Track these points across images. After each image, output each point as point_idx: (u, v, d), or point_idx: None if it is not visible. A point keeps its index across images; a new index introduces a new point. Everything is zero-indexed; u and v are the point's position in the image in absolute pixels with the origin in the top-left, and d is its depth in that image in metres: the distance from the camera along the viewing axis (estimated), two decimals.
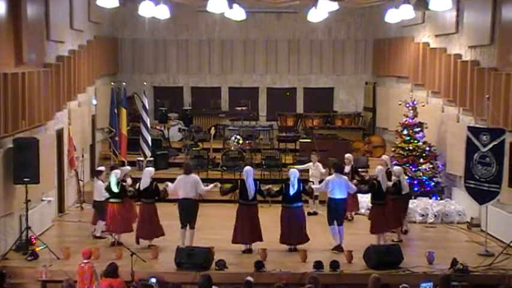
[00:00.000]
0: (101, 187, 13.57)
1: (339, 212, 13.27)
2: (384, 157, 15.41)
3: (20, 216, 12.90)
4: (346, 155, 15.62)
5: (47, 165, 13.70)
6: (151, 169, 13.57)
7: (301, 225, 13.12)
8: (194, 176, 13.36)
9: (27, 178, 12.48)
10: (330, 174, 15.27)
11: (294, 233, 13.03)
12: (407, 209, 14.47)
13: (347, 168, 15.14)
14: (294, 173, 13.19)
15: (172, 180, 13.64)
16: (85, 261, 10.58)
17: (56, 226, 14.86)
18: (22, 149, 12.47)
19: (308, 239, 13.11)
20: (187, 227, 13.01)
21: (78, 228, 14.47)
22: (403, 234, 14.05)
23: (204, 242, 12.58)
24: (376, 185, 13.32)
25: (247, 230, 12.93)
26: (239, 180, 13.32)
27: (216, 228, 13.72)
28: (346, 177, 13.74)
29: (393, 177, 13.87)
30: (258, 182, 13.22)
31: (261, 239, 12.99)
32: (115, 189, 13.14)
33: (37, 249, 12.51)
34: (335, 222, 13.15)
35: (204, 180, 13.97)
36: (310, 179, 15.51)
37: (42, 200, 14.22)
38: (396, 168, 14.22)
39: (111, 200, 13.24)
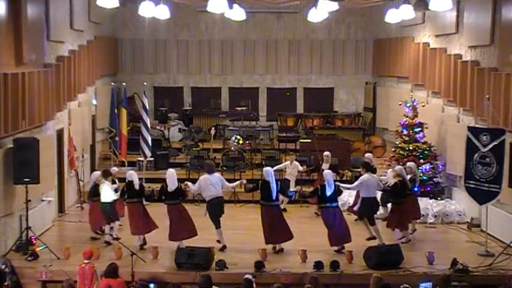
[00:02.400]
0: (108, 188, 13.56)
1: (374, 210, 13.48)
2: (410, 164, 14.73)
3: (20, 216, 12.91)
4: (325, 153, 15.78)
5: (47, 165, 13.71)
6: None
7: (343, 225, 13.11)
8: (218, 174, 13.52)
9: (27, 178, 12.49)
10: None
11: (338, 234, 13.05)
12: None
13: (325, 166, 15.37)
14: (328, 173, 13.18)
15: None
16: (86, 261, 10.59)
17: (56, 226, 14.86)
18: (22, 149, 12.47)
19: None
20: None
21: (79, 228, 14.46)
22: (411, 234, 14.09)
23: (204, 242, 12.58)
24: (398, 185, 13.48)
25: (274, 230, 12.91)
26: (260, 181, 13.33)
27: (214, 228, 13.69)
28: (377, 176, 13.86)
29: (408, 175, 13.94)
30: (279, 183, 13.30)
31: (291, 237, 12.99)
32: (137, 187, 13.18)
33: (37, 249, 12.50)
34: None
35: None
36: (287, 177, 15.90)
37: (43, 200, 14.23)
38: (410, 164, 14.33)
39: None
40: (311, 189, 13.76)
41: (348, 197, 15.69)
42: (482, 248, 13.12)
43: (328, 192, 12.91)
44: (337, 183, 13.78)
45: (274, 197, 12.98)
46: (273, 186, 12.92)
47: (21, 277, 11.69)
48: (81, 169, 16.85)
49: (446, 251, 12.93)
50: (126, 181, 13.31)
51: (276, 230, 12.93)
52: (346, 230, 13.05)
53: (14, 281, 11.43)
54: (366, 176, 13.48)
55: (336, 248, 12.98)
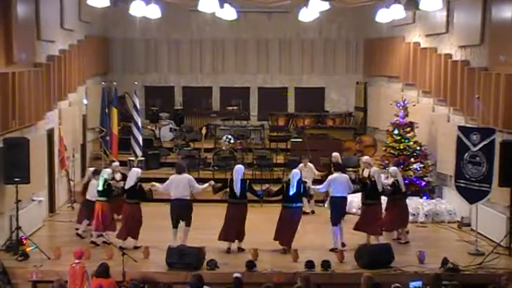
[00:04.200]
0: (94, 187, 13.56)
1: (343, 210, 13.37)
2: (365, 158, 15.01)
3: (11, 216, 12.85)
4: (333, 154, 15.74)
5: (37, 165, 13.67)
6: (137, 170, 13.51)
7: (295, 226, 13.08)
8: (187, 176, 13.33)
9: (18, 178, 12.44)
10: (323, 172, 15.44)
11: (286, 233, 13.01)
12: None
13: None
14: (295, 173, 13.17)
15: (163, 180, 13.63)
16: (76, 261, 10.55)
17: (46, 226, 14.82)
18: (12, 149, 12.42)
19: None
20: (183, 225, 13.03)
21: (69, 228, 14.41)
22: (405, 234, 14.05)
23: (195, 242, 12.57)
24: (368, 185, 13.34)
25: (231, 228, 12.96)
26: (229, 179, 13.34)
27: (207, 228, 13.70)
28: (347, 175, 13.77)
29: (390, 178, 13.89)
30: (247, 181, 13.23)
31: (241, 239, 12.99)
32: (100, 187, 13.14)
33: (28, 249, 12.48)
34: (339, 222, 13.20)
35: (195, 180, 14.00)
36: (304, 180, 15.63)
37: (33, 200, 14.17)
38: (392, 168, 14.27)
39: (98, 199, 13.24)
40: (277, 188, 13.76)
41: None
42: (472, 247, 13.18)
43: (291, 192, 12.94)
44: (308, 184, 13.88)
45: (238, 195, 12.96)
46: (237, 184, 12.92)
47: (12, 277, 11.64)
48: (71, 169, 16.81)
49: (437, 250, 12.97)
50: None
51: (232, 228, 12.95)
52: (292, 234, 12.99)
53: (4, 281, 11.39)
54: (334, 175, 13.44)
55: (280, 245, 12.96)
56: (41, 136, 14.82)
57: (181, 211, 13.05)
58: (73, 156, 17.03)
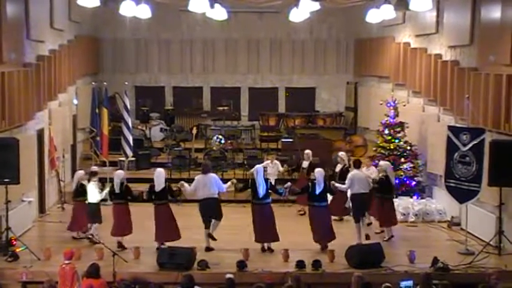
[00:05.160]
0: (94, 189, 13.48)
1: (364, 206, 13.57)
2: (341, 154, 15.50)
3: (0, 217, 12.80)
4: (306, 151, 15.94)
5: (27, 165, 13.61)
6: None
7: (328, 223, 13.16)
8: (213, 175, 13.42)
9: (7, 179, 12.39)
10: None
11: (322, 232, 13.07)
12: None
13: (305, 164, 15.66)
14: (319, 172, 13.20)
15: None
16: (66, 262, 10.51)
17: (36, 227, 14.76)
18: (2, 150, 12.37)
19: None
20: (213, 221, 13.08)
21: (59, 228, 14.36)
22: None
23: (187, 242, 12.56)
24: (384, 180, 13.65)
25: (263, 229, 12.92)
26: (250, 180, 13.34)
27: (198, 228, 13.68)
28: (365, 172, 14.02)
29: (380, 173, 14.02)
30: (269, 181, 13.28)
31: (275, 239, 12.95)
32: (117, 190, 13.08)
33: (17, 250, 12.42)
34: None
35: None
36: (267, 177, 15.71)
37: (23, 201, 14.12)
38: (383, 162, 14.40)
39: (116, 201, 13.14)
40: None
41: None
42: (462, 246, 13.22)
43: (318, 191, 12.96)
44: (332, 182, 13.94)
45: (261, 195, 12.95)
46: (259, 184, 12.91)
47: (2, 278, 11.59)
48: (62, 169, 16.75)
49: (427, 250, 13.01)
50: (114, 182, 13.27)
51: (265, 229, 12.93)
52: (330, 228, 13.11)
53: None
54: (353, 173, 13.62)
55: (319, 244, 13.02)
56: (31, 136, 14.77)
57: (212, 210, 13.10)
58: (63, 156, 16.97)
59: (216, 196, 13.29)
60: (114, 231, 13.09)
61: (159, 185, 12.97)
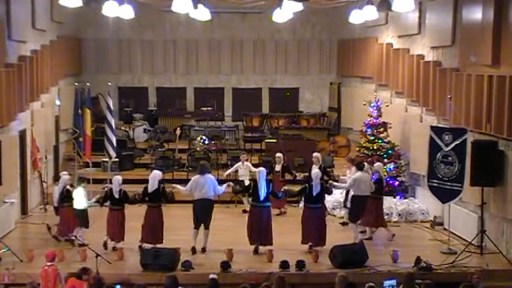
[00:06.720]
0: (81, 194, 13.38)
1: (363, 209, 13.57)
2: (315, 154, 15.49)
3: None
4: (277, 154, 15.95)
5: (9, 166, 13.52)
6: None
7: (322, 227, 13.08)
8: (211, 176, 13.30)
9: None
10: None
11: (313, 235, 12.99)
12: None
13: (278, 167, 15.71)
14: (316, 173, 13.19)
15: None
16: (49, 263, 10.43)
17: (18, 228, 14.65)
18: None
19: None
20: (202, 228, 12.99)
21: (42, 230, 14.25)
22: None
23: (170, 243, 12.52)
24: (381, 179, 13.80)
25: (259, 231, 12.88)
26: (251, 182, 13.30)
27: (181, 228, 13.66)
28: (368, 174, 13.99)
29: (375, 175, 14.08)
30: (270, 184, 13.21)
31: (269, 243, 12.86)
32: (116, 195, 12.98)
33: None
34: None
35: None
36: (240, 179, 15.85)
37: (5, 202, 14.03)
38: (377, 164, 14.45)
39: (113, 207, 13.04)
40: (298, 188, 13.82)
41: None
42: (445, 246, 13.32)
43: (315, 193, 12.98)
44: (330, 181, 14.03)
45: (262, 198, 12.90)
46: (261, 187, 12.86)
47: None
48: (44, 170, 16.63)
49: (410, 249, 13.07)
50: (109, 188, 13.21)
51: (263, 232, 12.88)
52: (323, 233, 13.02)
53: None
54: (358, 174, 13.59)
55: (307, 246, 13.03)
56: (13, 137, 14.66)
57: (205, 213, 12.98)
58: (46, 157, 16.86)
59: (212, 198, 13.19)
60: (110, 235, 13.01)
61: (152, 186, 12.92)
